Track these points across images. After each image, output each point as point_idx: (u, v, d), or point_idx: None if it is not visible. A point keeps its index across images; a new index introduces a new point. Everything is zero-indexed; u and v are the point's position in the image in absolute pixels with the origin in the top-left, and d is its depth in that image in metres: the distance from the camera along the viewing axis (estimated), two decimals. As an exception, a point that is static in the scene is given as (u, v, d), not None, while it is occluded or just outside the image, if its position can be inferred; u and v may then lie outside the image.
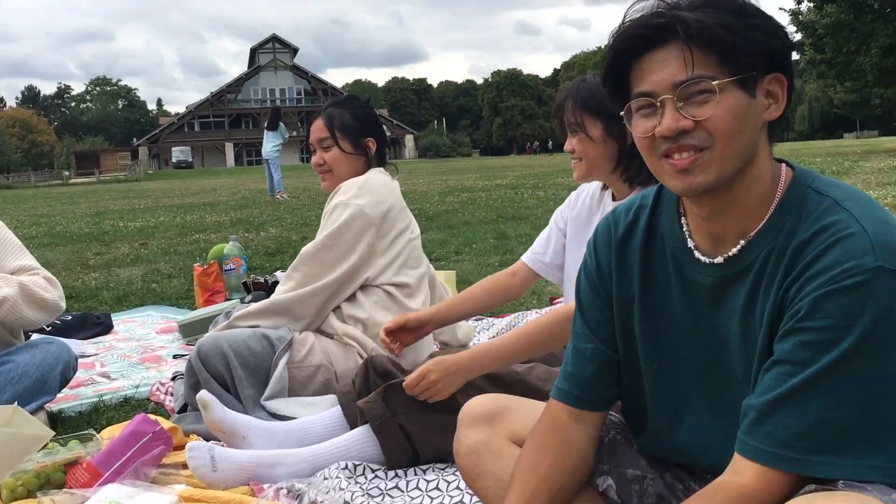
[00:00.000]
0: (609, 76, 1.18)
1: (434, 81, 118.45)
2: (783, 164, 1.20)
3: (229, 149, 68.72)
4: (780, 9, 26.81)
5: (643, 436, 1.40)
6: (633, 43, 1.13)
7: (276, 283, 4.06)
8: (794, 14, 26.26)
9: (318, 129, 2.76)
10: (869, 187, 9.48)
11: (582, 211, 2.33)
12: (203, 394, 2.18)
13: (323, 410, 2.32)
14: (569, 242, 2.34)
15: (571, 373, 1.37)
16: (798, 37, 25.70)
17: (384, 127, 2.93)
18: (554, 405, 1.38)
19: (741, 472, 1.08)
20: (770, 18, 1.12)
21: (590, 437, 1.37)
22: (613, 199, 2.24)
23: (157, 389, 2.90)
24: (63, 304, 2.56)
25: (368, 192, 2.64)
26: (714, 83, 1.08)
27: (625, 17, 1.15)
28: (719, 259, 1.19)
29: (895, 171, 12.15)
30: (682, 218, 1.26)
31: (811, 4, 26.08)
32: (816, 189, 1.14)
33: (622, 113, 1.19)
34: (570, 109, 2.12)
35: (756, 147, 1.14)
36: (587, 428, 1.36)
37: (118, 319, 4.39)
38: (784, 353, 1.07)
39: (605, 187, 2.28)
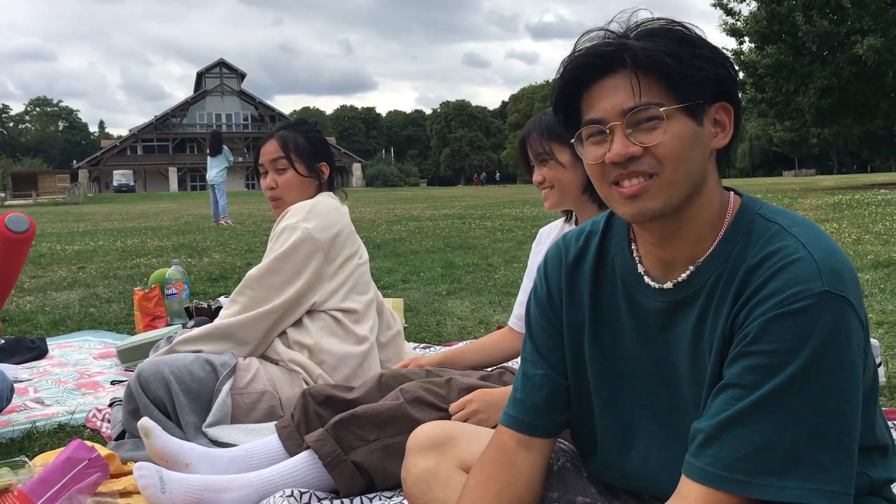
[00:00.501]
0: (560, 104, 1.20)
1: (382, 111, 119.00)
2: (731, 192, 1.22)
3: (173, 173, 67.69)
4: (724, 48, 27.67)
5: (593, 462, 1.40)
6: (582, 71, 1.15)
7: (219, 308, 3.98)
8: (737, 54, 27.15)
9: (271, 150, 2.72)
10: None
11: (541, 253, 2.38)
12: (145, 420, 2.11)
13: (266, 435, 2.28)
14: None
15: (521, 399, 1.37)
16: (741, 76, 26.55)
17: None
18: (503, 432, 1.37)
19: (686, 496, 1.08)
20: (715, 49, 1.15)
21: (538, 464, 1.36)
22: (576, 224, 2.28)
23: (94, 416, 2.80)
24: None
25: (317, 216, 2.62)
26: (661, 110, 1.10)
27: (575, 46, 1.17)
28: (668, 284, 1.21)
29: (832, 209, 12.57)
30: (632, 244, 1.28)
31: (752, 45, 27.02)
32: (764, 216, 1.16)
33: (573, 140, 1.20)
34: (535, 141, 2.17)
35: (704, 174, 1.16)
36: (536, 455, 1.35)
37: (53, 344, 4.25)
38: (733, 377, 1.08)
39: (568, 219, 2.32)
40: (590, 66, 1.14)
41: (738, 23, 27.78)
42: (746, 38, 27.33)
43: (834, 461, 1.03)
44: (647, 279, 1.24)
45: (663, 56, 1.09)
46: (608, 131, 1.13)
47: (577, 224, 2.28)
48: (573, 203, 2.22)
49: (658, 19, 1.16)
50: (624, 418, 1.31)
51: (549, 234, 2.45)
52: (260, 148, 2.77)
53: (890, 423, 2.26)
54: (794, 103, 26.27)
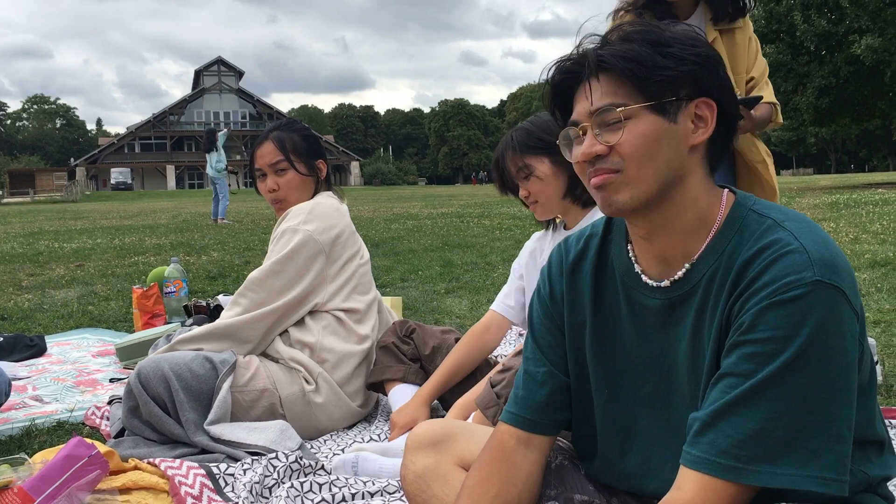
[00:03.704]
0: (553, 107, 1.28)
1: (380, 109, 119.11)
2: (725, 189, 1.23)
3: (170, 171, 67.60)
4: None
5: (592, 463, 1.41)
6: (564, 76, 1.24)
7: (217, 306, 3.99)
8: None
9: (269, 152, 2.71)
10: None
11: (530, 258, 2.50)
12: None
13: (270, 434, 2.29)
14: (527, 287, 2.49)
15: (523, 397, 1.38)
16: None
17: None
18: (503, 430, 1.38)
19: (682, 486, 1.09)
20: (691, 47, 1.17)
21: (538, 463, 1.36)
22: (566, 227, 2.32)
23: (93, 413, 2.80)
24: None
25: (318, 218, 2.62)
26: (619, 110, 1.16)
27: (579, 44, 1.23)
28: (666, 282, 1.22)
29: (830, 208, 12.59)
30: (629, 244, 1.29)
31: (750, 45, 27.02)
32: (757, 211, 1.18)
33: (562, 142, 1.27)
34: (510, 161, 2.25)
35: (681, 170, 1.18)
36: (535, 454, 1.36)
37: (52, 342, 4.25)
38: (729, 366, 1.10)
39: (548, 227, 2.42)
40: (564, 72, 1.23)
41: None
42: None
43: (826, 448, 1.04)
44: (644, 278, 1.25)
45: (618, 60, 1.16)
46: (581, 132, 1.20)
47: (565, 228, 2.33)
48: (559, 209, 2.27)
49: (638, 22, 1.24)
50: (624, 418, 1.32)
51: (540, 236, 2.51)
52: (255, 151, 2.75)
53: (888, 422, 2.28)
54: (792, 102, 26.32)
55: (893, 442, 2.15)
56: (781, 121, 2.87)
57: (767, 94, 2.78)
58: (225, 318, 2.58)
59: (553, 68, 1.25)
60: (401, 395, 2.51)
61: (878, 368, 2.91)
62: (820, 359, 1.05)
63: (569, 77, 1.22)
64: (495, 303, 2.57)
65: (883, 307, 4.28)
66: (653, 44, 1.16)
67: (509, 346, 3.62)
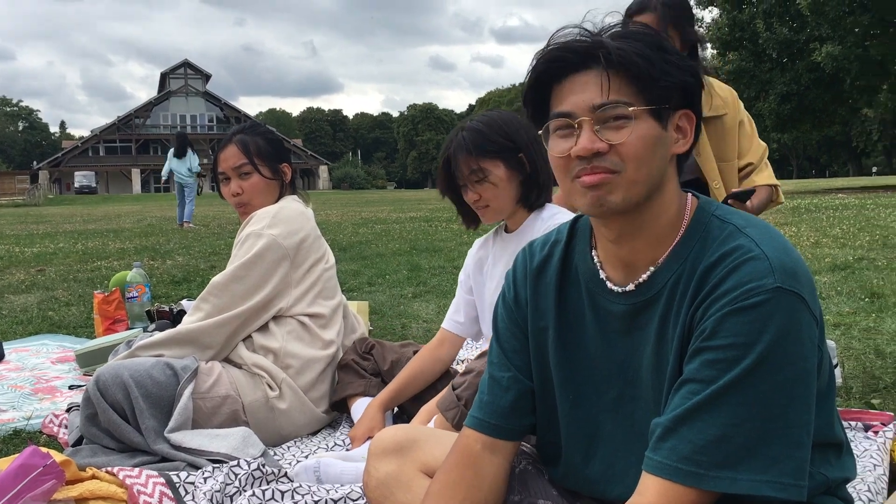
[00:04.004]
0: (530, 95, 1.21)
1: (349, 113, 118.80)
2: (689, 194, 1.24)
3: (136, 175, 66.69)
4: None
5: (557, 468, 1.41)
6: (556, 65, 1.16)
7: (181, 311, 3.93)
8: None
9: (232, 155, 2.68)
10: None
11: (476, 267, 2.46)
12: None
13: (232, 441, 2.26)
14: (477, 298, 2.45)
15: (488, 402, 1.37)
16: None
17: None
18: (468, 435, 1.37)
19: (643, 491, 1.09)
20: (684, 57, 1.18)
21: (502, 468, 1.36)
22: (507, 230, 2.31)
23: (51, 421, 2.74)
24: None
25: (282, 222, 2.59)
26: (630, 109, 1.12)
27: (549, 41, 1.19)
28: (630, 286, 1.22)
29: (792, 213, 12.78)
30: (594, 250, 1.29)
31: (714, 52, 27.44)
32: (719, 217, 1.19)
33: (540, 132, 1.22)
34: (463, 162, 2.17)
35: (664, 177, 1.18)
36: (500, 459, 1.36)
37: (10, 348, 4.15)
38: (691, 372, 1.10)
39: (497, 230, 2.40)
40: (563, 60, 1.16)
41: (701, 29, 28.16)
42: (709, 45, 27.68)
43: (786, 454, 1.05)
44: (609, 284, 1.26)
45: (636, 57, 1.12)
46: (576, 126, 1.15)
47: (507, 231, 2.31)
48: (508, 214, 2.25)
49: (635, 22, 1.19)
50: (588, 424, 1.32)
51: (482, 243, 2.48)
52: (218, 154, 2.72)
53: (847, 424, 2.31)
54: (754, 109, 26.72)
55: (852, 443, 2.18)
56: (783, 200, 2.84)
57: (765, 176, 2.75)
58: (186, 323, 2.54)
59: (551, 51, 1.17)
60: (363, 409, 2.49)
61: (838, 371, 2.95)
62: (780, 365, 1.05)
63: (556, 66, 1.17)
64: (445, 320, 2.56)
65: (843, 310, 4.35)
66: (658, 48, 1.14)
67: (476, 351, 3.61)
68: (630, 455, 1.25)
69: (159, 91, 73.50)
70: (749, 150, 2.78)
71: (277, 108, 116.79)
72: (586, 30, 1.17)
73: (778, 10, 25.10)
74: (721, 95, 2.78)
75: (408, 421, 2.40)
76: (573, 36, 1.17)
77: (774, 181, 2.77)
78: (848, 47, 23.10)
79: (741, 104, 2.82)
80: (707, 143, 2.72)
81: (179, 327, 2.55)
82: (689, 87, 1.17)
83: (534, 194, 2.23)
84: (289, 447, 2.46)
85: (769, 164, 2.84)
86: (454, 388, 2.10)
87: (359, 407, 2.52)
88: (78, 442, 2.40)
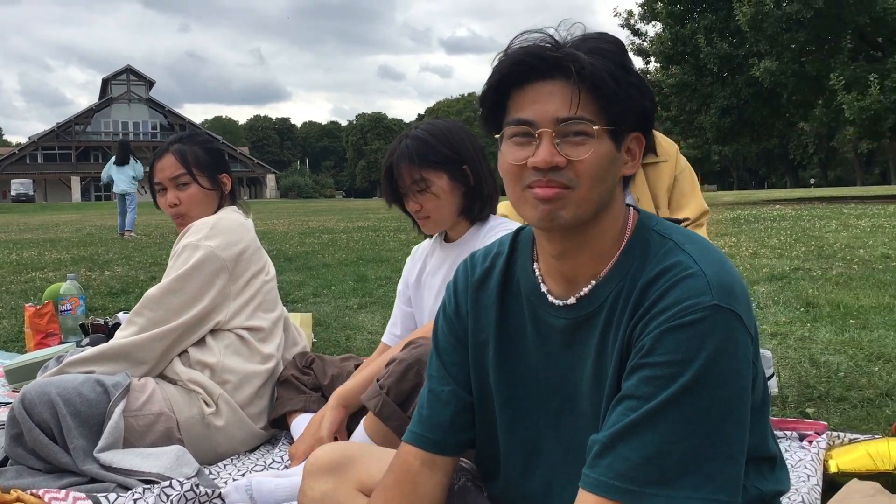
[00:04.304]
0: (489, 96, 1.18)
1: (297, 121, 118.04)
2: (630, 209, 1.24)
3: (76, 183, 65.07)
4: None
5: (496, 484, 1.39)
6: (520, 68, 1.13)
7: (117, 324, 3.83)
8: (643, 73, 28.05)
9: (169, 165, 2.62)
10: (709, 237, 10.12)
11: (414, 272, 2.43)
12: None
13: (165, 461, 2.19)
14: (416, 311, 2.42)
15: (427, 416, 1.35)
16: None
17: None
18: (406, 451, 1.35)
19: None
20: (644, 81, 1.17)
21: (441, 484, 1.34)
22: (447, 240, 2.28)
23: (-25, 442, 2.62)
24: None
25: (221, 233, 2.53)
26: (595, 128, 1.11)
27: (512, 44, 1.16)
28: (572, 300, 1.22)
29: (732, 223, 13.06)
30: (535, 263, 1.28)
31: (658, 65, 27.98)
32: (659, 232, 1.20)
33: (497, 136, 1.19)
34: (406, 172, 2.14)
35: (613, 196, 1.18)
36: (439, 475, 1.34)
37: (-65, 364, 3.98)
38: (629, 389, 1.10)
39: (438, 237, 2.36)
40: (530, 65, 1.12)
41: (645, 43, 28.75)
42: (652, 59, 28.28)
43: (720, 470, 1.05)
44: (550, 298, 1.25)
45: (606, 76, 1.10)
46: (536, 136, 1.12)
47: (446, 240, 2.29)
48: (449, 225, 2.24)
49: (601, 35, 1.16)
50: (528, 438, 1.31)
51: (421, 252, 2.45)
52: (154, 164, 2.65)
53: (782, 434, 2.35)
54: (696, 122, 27.30)
55: (787, 453, 2.21)
56: None
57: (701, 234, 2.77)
58: (119, 338, 2.46)
59: (518, 55, 1.13)
60: (303, 425, 2.43)
61: (774, 381, 3.01)
62: (717, 382, 1.06)
63: (521, 70, 1.13)
64: (385, 333, 2.54)
65: (779, 320, 4.45)
66: (625, 69, 1.13)
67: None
68: (569, 470, 1.24)
69: (101, 97, 71.93)
70: (686, 205, 2.78)
71: (224, 116, 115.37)
72: (551, 37, 1.14)
73: (718, 25, 25.69)
74: (663, 146, 2.83)
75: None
76: (540, 42, 1.14)
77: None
78: (785, 63, 23.76)
79: (683, 160, 2.86)
80: (646, 187, 2.76)
81: (112, 342, 2.46)
82: (646, 111, 1.16)
83: (476, 207, 2.22)
84: (225, 465, 2.39)
85: (705, 230, 2.85)
86: (378, 380, 2.06)
87: (299, 423, 2.47)
88: (3, 463, 2.30)
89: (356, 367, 2.55)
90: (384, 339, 2.52)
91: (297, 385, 2.57)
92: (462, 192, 2.18)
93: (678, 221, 2.68)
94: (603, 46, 1.13)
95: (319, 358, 2.68)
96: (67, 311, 4.15)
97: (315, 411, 2.46)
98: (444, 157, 2.12)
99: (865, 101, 21.83)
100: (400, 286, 2.49)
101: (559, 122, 1.11)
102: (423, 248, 2.45)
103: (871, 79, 21.74)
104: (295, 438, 2.42)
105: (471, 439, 1.38)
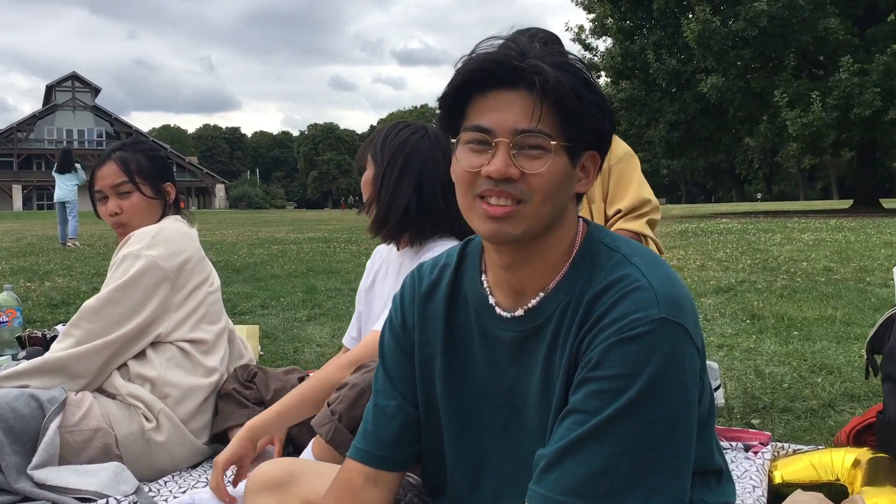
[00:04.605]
0: (448, 99, 1.15)
1: (248, 131, 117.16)
2: (579, 220, 1.23)
3: (17, 191, 63.38)
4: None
5: (442, 499, 1.37)
6: (482, 74, 1.11)
7: (55, 337, 3.71)
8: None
9: (111, 173, 2.54)
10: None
11: (371, 273, 2.37)
12: None
13: (102, 478, 2.11)
14: (365, 308, 2.36)
15: (372, 431, 1.32)
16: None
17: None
18: (350, 467, 1.32)
19: None
20: (606, 100, 1.15)
21: (386, 501, 1.32)
22: (399, 246, 2.21)
23: None
24: None
25: (163, 243, 2.46)
26: (553, 143, 1.10)
27: (475, 50, 1.14)
28: (520, 311, 1.20)
29: (680, 236, 13.29)
30: (483, 275, 1.26)
31: (608, 80, 28.43)
32: (607, 244, 1.19)
33: (453, 140, 1.16)
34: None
35: (564, 212, 1.17)
36: (384, 491, 1.31)
37: None
38: (576, 403, 1.09)
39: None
40: (493, 72, 1.10)
41: (595, 58, 29.19)
42: (603, 73, 28.71)
43: (667, 484, 1.05)
44: (498, 310, 1.23)
45: (570, 92, 1.08)
46: (493, 145, 1.10)
47: (398, 246, 2.20)
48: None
49: (565, 52, 1.15)
50: (475, 451, 1.29)
51: (381, 253, 2.38)
52: (95, 172, 2.57)
53: (728, 445, 2.37)
54: (646, 136, 27.81)
55: (733, 464, 2.23)
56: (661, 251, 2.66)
57: (633, 224, 2.57)
58: (56, 350, 2.37)
59: (482, 61, 1.11)
60: None
61: (720, 392, 3.04)
62: (664, 396, 1.05)
63: (483, 77, 1.11)
64: (345, 335, 2.48)
65: (726, 331, 4.51)
66: (587, 86, 1.11)
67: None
68: (516, 485, 1.22)
69: (44, 104, 70.30)
70: (621, 198, 2.63)
71: (172, 125, 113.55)
72: (517, 45, 1.12)
73: (667, 42, 26.23)
74: None
75: (297, 454, 2.27)
76: (506, 49, 1.12)
77: (644, 231, 2.60)
78: (731, 79, 24.36)
79: (622, 148, 2.70)
80: None
81: (47, 355, 2.38)
82: (604, 131, 1.15)
83: (429, 226, 2.17)
84: (166, 482, 2.32)
85: (652, 219, 2.65)
86: (329, 405, 2.01)
87: None
88: (-69, 482, 2.20)
89: (300, 379, 2.50)
90: (345, 339, 2.46)
91: (239, 399, 2.50)
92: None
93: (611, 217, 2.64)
94: (569, 61, 1.12)
95: (262, 371, 2.61)
96: (3, 323, 4.01)
97: None
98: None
99: (808, 118, 22.51)
100: (361, 284, 2.43)
101: (517, 133, 1.09)
102: (383, 249, 2.36)
103: (814, 96, 22.43)
104: None
105: (417, 454, 1.36)
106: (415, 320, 1.33)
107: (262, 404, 2.49)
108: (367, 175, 2.13)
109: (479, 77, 1.11)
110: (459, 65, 1.13)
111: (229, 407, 2.48)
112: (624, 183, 2.64)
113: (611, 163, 2.62)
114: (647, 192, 2.65)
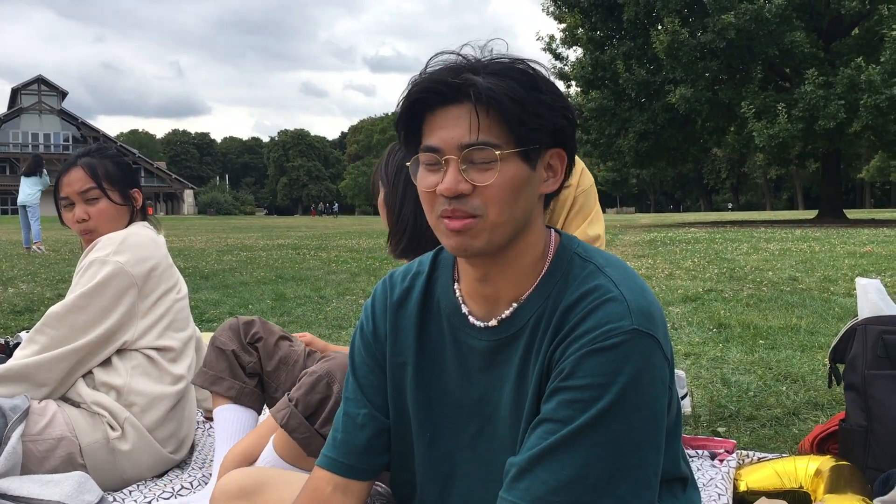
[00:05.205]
0: (402, 122, 1.16)
1: (217, 136, 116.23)
2: (551, 230, 1.24)
3: (-20, 195, 62.28)
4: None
5: (411, 508, 1.36)
6: (428, 95, 1.12)
7: (18, 344, 3.64)
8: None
9: (78, 179, 2.51)
10: (627, 258, 10.36)
11: None
12: None
13: (66, 488, 2.07)
14: None
15: (342, 440, 1.31)
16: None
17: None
18: (319, 476, 1.31)
19: None
20: (559, 97, 1.15)
21: (355, 510, 1.31)
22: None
23: None
24: None
25: (130, 249, 2.44)
26: (497, 153, 1.09)
27: (426, 66, 1.14)
28: (493, 322, 1.20)
29: (648, 245, 13.41)
30: (456, 283, 1.26)
31: (578, 89, 28.67)
32: (580, 255, 1.19)
33: (408, 164, 1.17)
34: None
35: (530, 216, 1.17)
36: (353, 500, 1.30)
37: None
38: (548, 412, 1.09)
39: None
40: (436, 91, 1.11)
41: (566, 67, 29.43)
42: (573, 82, 28.96)
43: (634, 493, 1.06)
44: (471, 319, 1.23)
45: (506, 99, 1.08)
46: (443, 162, 1.11)
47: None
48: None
49: (511, 57, 1.14)
50: (445, 461, 1.29)
51: None
52: (61, 178, 2.54)
53: (694, 452, 2.39)
54: (615, 145, 28.07)
55: (699, 472, 2.25)
56: None
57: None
58: (19, 357, 2.33)
59: (424, 82, 1.12)
60: (228, 417, 2.25)
61: (687, 400, 3.07)
62: (634, 406, 1.06)
63: (429, 97, 1.12)
64: None
65: (693, 340, 4.56)
66: (531, 87, 1.10)
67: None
68: (486, 494, 1.23)
69: (9, 107, 69.17)
70: (575, 229, 2.60)
71: (140, 129, 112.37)
72: (465, 58, 1.12)
73: (636, 52, 26.53)
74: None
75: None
76: (448, 65, 1.12)
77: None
78: (699, 90, 24.69)
79: (587, 179, 2.67)
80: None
81: (10, 363, 2.33)
82: (560, 127, 1.15)
83: (405, 240, 2.17)
84: (131, 492, 2.29)
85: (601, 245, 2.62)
86: (287, 393, 1.99)
87: (225, 414, 2.26)
88: None
89: (308, 353, 2.34)
90: None
91: (235, 365, 2.28)
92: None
93: None
94: (510, 66, 1.12)
95: (267, 334, 2.34)
96: (-36, 329, 3.93)
97: (246, 405, 2.26)
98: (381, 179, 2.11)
99: (774, 129, 22.89)
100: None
101: (463, 147, 1.10)
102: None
103: (780, 108, 22.83)
104: (217, 429, 2.25)
105: (386, 463, 1.35)
106: (387, 329, 1.32)
107: (258, 376, 2.32)
108: (381, 197, 2.11)
109: (424, 97, 1.12)
110: (409, 86, 1.14)
111: (220, 365, 2.28)
112: (583, 214, 2.65)
113: (576, 193, 2.64)
114: (599, 228, 2.67)
